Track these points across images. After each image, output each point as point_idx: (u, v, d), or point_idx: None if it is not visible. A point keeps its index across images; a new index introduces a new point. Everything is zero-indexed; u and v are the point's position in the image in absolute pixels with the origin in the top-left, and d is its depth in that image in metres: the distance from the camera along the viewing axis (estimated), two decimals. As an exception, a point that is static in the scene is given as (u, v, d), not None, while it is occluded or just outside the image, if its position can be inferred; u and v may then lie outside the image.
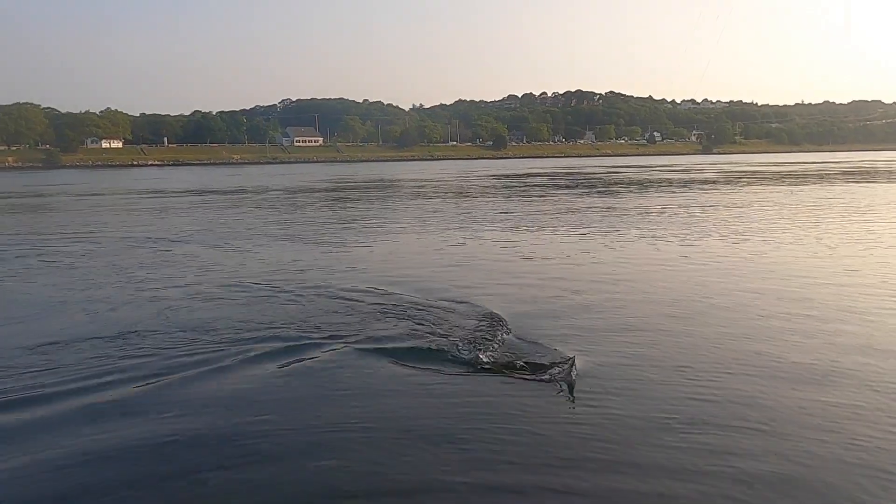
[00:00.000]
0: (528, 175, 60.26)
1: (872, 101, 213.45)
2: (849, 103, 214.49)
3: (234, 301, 10.03)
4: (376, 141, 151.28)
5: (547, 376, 6.37)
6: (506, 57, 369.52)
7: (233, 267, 13.29)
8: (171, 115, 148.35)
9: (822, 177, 48.66)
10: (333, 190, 43.13)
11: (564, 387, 6.10)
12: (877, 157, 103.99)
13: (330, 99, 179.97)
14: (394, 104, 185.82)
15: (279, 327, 8.36)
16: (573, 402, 5.84)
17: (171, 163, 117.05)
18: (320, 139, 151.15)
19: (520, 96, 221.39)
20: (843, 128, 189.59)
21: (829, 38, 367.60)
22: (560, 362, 6.59)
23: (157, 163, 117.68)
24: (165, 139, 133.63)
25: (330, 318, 8.84)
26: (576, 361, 6.42)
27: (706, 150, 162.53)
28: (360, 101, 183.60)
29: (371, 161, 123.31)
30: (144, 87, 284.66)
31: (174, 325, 8.53)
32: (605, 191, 37.13)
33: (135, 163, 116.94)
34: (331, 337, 7.89)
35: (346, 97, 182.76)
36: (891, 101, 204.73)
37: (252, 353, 7.31)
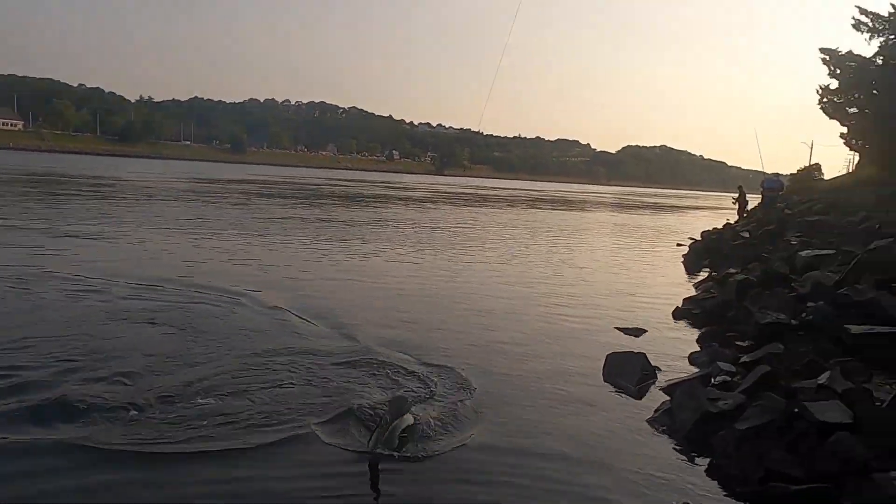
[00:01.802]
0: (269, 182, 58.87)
1: (572, 140, 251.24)
2: (555, 140, 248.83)
3: None
4: (93, 132, 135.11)
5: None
6: (249, 57, 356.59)
7: None
8: None
9: (534, 201, 55.87)
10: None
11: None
12: (571, 188, 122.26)
13: (35, 78, 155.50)
14: (117, 93, 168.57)
15: None
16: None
17: None
18: (20, 123, 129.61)
19: (262, 101, 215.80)
20: (549, 161, 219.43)
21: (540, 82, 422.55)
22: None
23: None
24: None
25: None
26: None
27: (438, 171, 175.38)
28: (75, 84, 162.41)
29: (85, 154, 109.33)
30: None
31: None
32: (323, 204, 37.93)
33: None
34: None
35: (56, 78, 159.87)
36: (585, 143, 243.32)
37: None
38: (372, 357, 7.57)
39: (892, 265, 9.28)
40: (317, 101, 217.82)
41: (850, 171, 33.01)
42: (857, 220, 16.00)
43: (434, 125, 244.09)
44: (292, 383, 6.56)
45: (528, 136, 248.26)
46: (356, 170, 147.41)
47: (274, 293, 10.79)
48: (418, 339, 8.70)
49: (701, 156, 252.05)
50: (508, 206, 47.75)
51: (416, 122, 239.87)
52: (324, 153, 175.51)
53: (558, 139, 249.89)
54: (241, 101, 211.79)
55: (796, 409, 5.39)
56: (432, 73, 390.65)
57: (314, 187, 55.08)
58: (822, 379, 5.99)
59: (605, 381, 7.47)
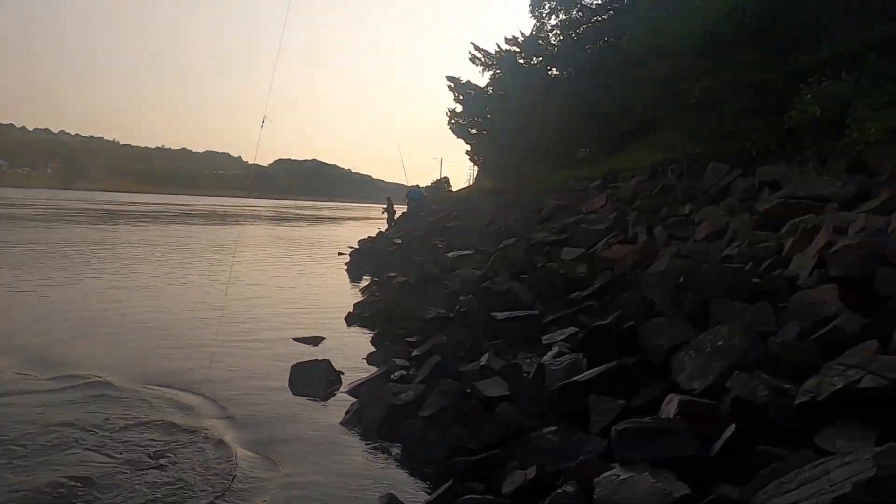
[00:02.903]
0: None
1: (223, 152, 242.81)
2: (203, 152, 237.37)
3: None
4: None
5: None
6: None
7: None
8: None
9: (184, 215, 52.12)
10: None
11: None
12: (224, 201, 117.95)
13: None
14: None
15: None
16: None
17: None
18: None
19: None
20: (201, 174, 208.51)
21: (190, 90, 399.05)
22: None
23: None
24: None
25: None
26: None
27: (66, 185, 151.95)
28: None
29: None
30: None
31: None
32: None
33: None
34: None
35: None
36: (236, 155, 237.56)
37: None
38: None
39: (518, 260, 11.20)
40: None
41: (472, 182, 38.70)
42: (485, 224, 18.87)
43: (55, 131, 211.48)
44: None
45: (174, 148, 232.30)
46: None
47: None
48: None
49: (350, 169, 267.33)
50: (155, 221, 43.89)
51: (29, 128, 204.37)
52: None
53: (207, 151, 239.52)
54: None
55: (468, 390, 6.12)
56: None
57: None
58: (483, 360, 6.93)
59: (293, 393, 7.43)
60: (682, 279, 6.52)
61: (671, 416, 4.61)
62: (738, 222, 9.07)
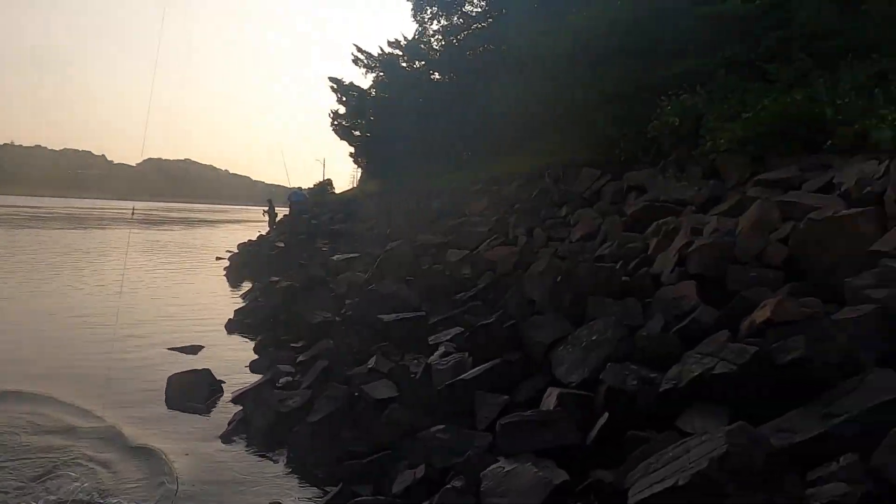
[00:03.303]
0: None
1: (84, 150, 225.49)
2: (60, 150, 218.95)
3: None
4: None
5: None
6: None
7: None
8: None
9: (39, 219, 47.64)
10: None
11: None
12: (85, 203, 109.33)
13: None
14: None
15: None
16: None
17: None
18: None
19: None
20: (63, 174, 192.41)
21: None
22: None
23: None
24: None
25: None
26: None
27: None
28: None
29: None
30: None
31: None
32: None
33: None
34: None
35: None
36: (100, 153, 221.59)
37: None
38: None
39: (405, 263, 11.30)
40: None
41: (356, 184, 38.41)
42: (369, 226, 18.85)
43: None
44: None
45: (26, 145, 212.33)
46: None
47: None
48: None
49: (227, 170, 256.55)
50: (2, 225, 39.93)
51: None
52: None
53: (65, 149, 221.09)
54: None
55: (356, 393, 6.13)
56: None
57: None
58: (371, 363, 6.95)
59: (171, 406, 7.08)
60: (559, 278, 6.89)
61: (551, 408, 4.87)
62: (608, 224, 9.69)
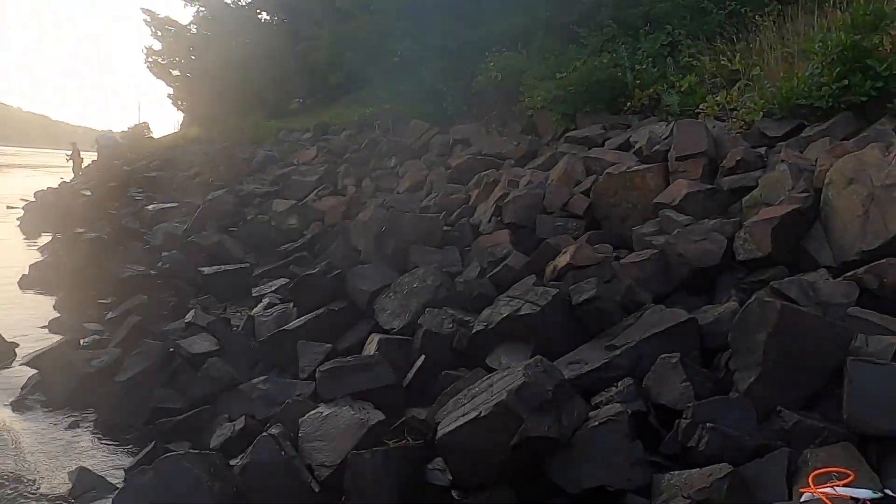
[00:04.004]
0: None
1: None
2: None
3: None
4: None
5: None
6: None
7: None
8: None
9: None
10: None
11: None
12: None
13: None
14: None
15: None
16: None
17: None
18: None
19: None
20: None
21: None
22: None
23: None
24: None
25: None
26: None
27: None
28: None
29: None
30: None
31: None
32: None
33: None
34: None
35: None
36: None
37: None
38: None
39: (227, 213, 10.80)
40: None
41: (178, 129, 35.60)
42: (191, 174, 17.64)
43: None
44: None
45: None
46: None
47: None
48: None
49: (20, 108, 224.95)
50: None
51: None
52: None
53: None
54: None
55: (172, 349, 5.85)
56: None
57: None
58: (188, 317, 6.65)
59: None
60: (384, 228, 7.00)
61: (372, 353, 5.03)
62: (435, 175, 9.96)
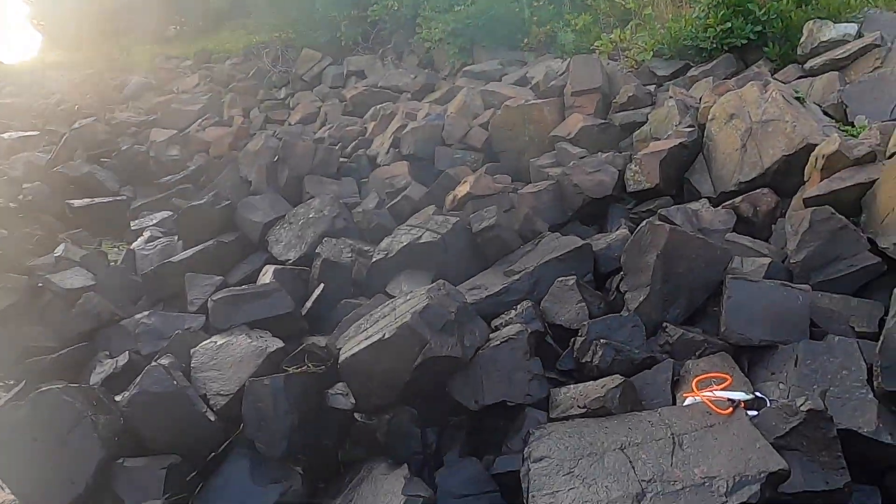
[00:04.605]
0: None
1: None
2: None
3: None
4: None
5: None
6: None
7: None
8: None
9: None
10: None
11: None
12: None
13: None
14: None
15: None
16: None
17: None
18: None
19: None
20: None
21: None
22: None
23: None
24: None
25: None
26: None
27: None
28: None
29: None
30: None
31: None
32: None
33: None
34: None
35: None
36: None
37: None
38: None
39: (98, 142, 9.90)
40: None
41: (38, 54, 32.01)
42: (54, 102, 15.99)
43: None
44: None
45: None
46: None
47: None
48: None
49: None
50: None
51: None
52: None
53: None
54: None
55: (40, 284, 5.36)
56: None
57: None
58: (58, 251, 6.10)
59: None
60: (276, 158, 6.69)
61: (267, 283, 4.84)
62: (329, 107, 9.58)
